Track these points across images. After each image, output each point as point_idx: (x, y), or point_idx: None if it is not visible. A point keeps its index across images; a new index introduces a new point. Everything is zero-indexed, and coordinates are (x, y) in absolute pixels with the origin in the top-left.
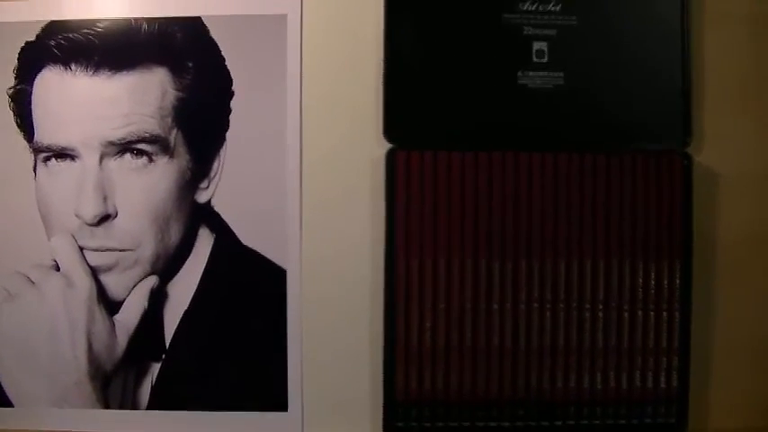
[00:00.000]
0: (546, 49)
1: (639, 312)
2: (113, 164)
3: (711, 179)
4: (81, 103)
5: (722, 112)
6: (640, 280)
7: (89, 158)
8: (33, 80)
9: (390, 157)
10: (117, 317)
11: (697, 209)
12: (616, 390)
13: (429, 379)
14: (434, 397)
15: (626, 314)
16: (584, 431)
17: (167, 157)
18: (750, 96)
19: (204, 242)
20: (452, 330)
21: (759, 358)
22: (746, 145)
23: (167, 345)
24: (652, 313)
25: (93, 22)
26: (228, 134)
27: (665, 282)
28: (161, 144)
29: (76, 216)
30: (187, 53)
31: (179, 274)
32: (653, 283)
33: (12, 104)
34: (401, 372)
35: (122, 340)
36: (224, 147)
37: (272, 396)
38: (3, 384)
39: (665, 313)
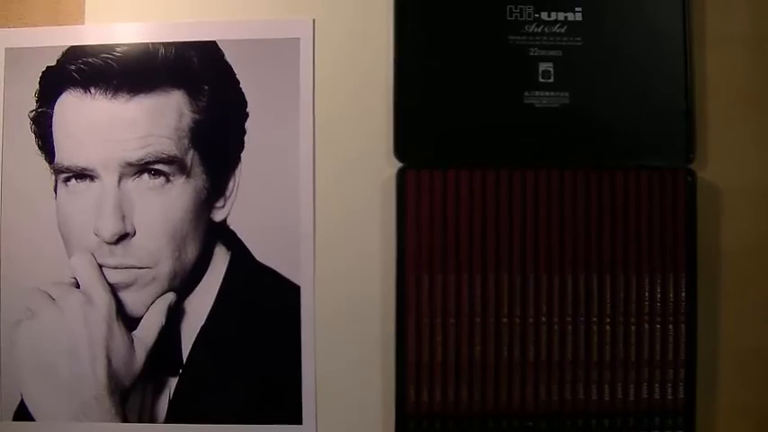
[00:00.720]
0: (552, 69)
1: (646, 325)
2: (131, 184)
3: (714, 194)
4: (100, 125)
5: (724, 129)
6: (646, 293)
7: (108, 179)
8: (54, 103)
9: (401, 176)
10: (135, 333)
11: (701, 223)
12: (624, 402)
13: (440, 392)
14: (445, 410)
15: (633, 327)
16: None
17: (184, 177)
18: (751, 114)
19: (220, 259)
20: (462, 344)
21: (765, 369)
22: (748, 161)
23: (184, 360)
24: (658, 326)
25: (111, 48)
26: (243, 154)
27: (671, 295)
28: (178, 164)
29: (96, 235)
30: (203, 76)
31: (196, 290)
32: (659, 296)
33: (33, 127)
34: (412, 385)
35: (140, 355)
36: (239, 167)
37: (287, 410)
38: (24, 399)
39: (671, 326)
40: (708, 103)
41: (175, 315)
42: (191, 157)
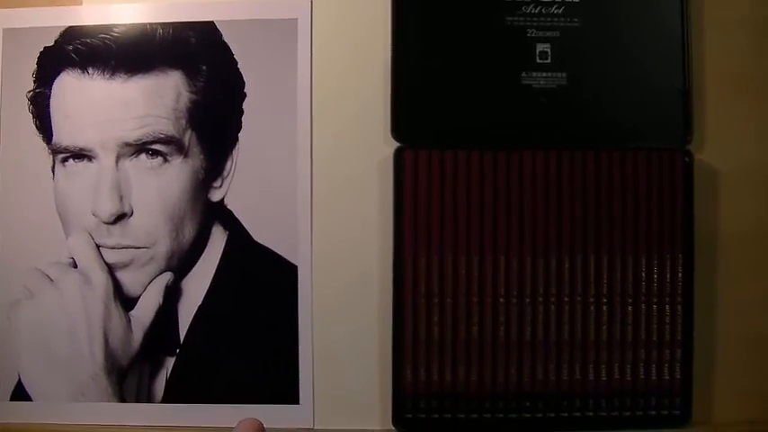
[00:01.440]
0: (549, 50)
1: (643, 306)
2: (129, 164)
3: (712, 176)
4: (98, 105)
5: (722, 110)
6: (643, 274)
7: (106, 159)
8: (52, 84)
9: (398, 156)
10: (133, 312)
11: (698, 205)
12: (621, 382)
13: (437, 371)
14: (442, 389)
15: (630, 308)
16: (589, 423)
17: (182, 157)
18: (749, 95)
19: (217, 239)
20: (459, 324)
21: (761, 350)
22: (746, 143)
23: (181, 339)
24: (655, 307)
25: (109, 28)
26: (241, 134)
27: (668, 276)
28: (175, 145)
29: (93, 215)
30: (201, 57)
31: (193, 270)
32: (656, 277)
33: (31, 107)
34: (409, 365)
35: (138, 335)
36: (237, 147)
37: (284, 389)
38: (22, 379)
39: (667, 307)
40: (706, 84)
41: (173, 295)
42: (188, 138)
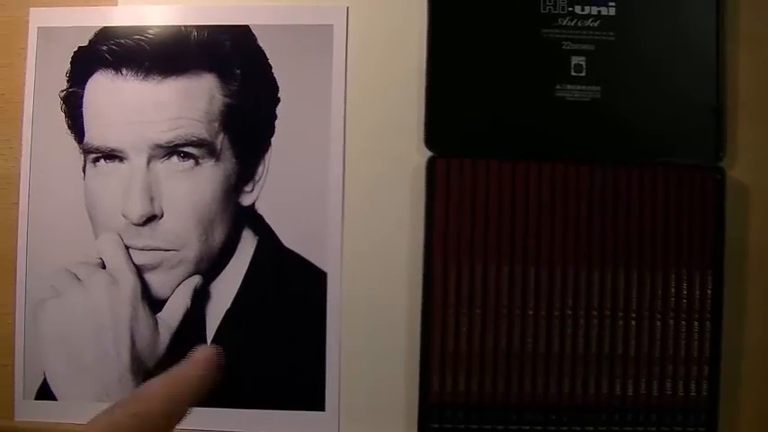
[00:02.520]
0: (584, 63)
1: (671, 321)
2: (160, 166)
3: (743, 192)
4: (130, 106)
5: (755, 127)
6: (672, 290)
7: (137, 160)
8: (85, 84)
9: (431, 165)
10: (160, 315)
11: (729, 221)
12: (647, 397)
13: (464, 382)
14: (469, 399)
15: (658, 323)
16: None
17: (213, 160)
18: None
19: (247, 244)
20: (488, 335)
21: None
22: None
23: (209, 343)
24: (684, 322)
25: (144, 29)
26: (274, 139)
27: (697, 292)
28: (207, 148)
29: (123, 216)
30: (235, 60)
31: (222, 274)
32: (685, 293)
33: (64, 107)
34: (436, 374)
35: (165, 337)
36: (269, 151)
37: (310, 396)
38: (47, 378)
39: (696, 323)
40: (739, 101)
41: (201, 298)
42: (221, 141)
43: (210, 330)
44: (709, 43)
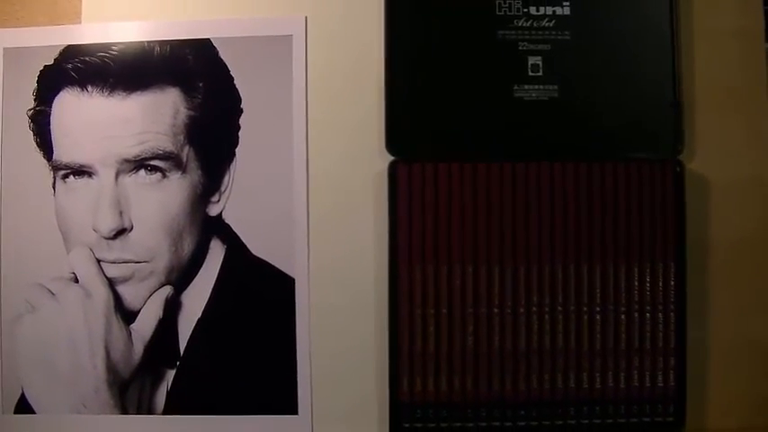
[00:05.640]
0: (541, 63)
1: (636, 314)
2: (129, 180)
3: (703, 185)
4: (97, 122)
5: (712, 120)
6: (636, 283)
7: (105, 175)
8: (52, 102)
9: (392, 170)
10: (133, 326)
11: (689, 214)
12: (615, 390)
13: (433, 381)
14: (438, 398)
15: (623, 316)
16: (584, 430)
17: (180, 172)
18: (739, 105)
19: (216, 253)
20: (455, 334)
21: (753, 357)
22: (736, 152)
23: (182, 352)
24: (648, 315)
25: (108, 46)
26: (238, 150)
27: (660, 284)
28: (174, 160)
29: (94, 230)
30: (198, 74)
31: (192, 284)
32: (648, 285)
33: (32, 125)
34: (406, 375)
35: (138, 348)
36: (234, 162)
37: (283, 400)
38: (25, 392)
39: (660, 314)
40: (696, 95)
41: (172, 308)
42: (186, 153)
43: (183, 339)
44: (665, 38)
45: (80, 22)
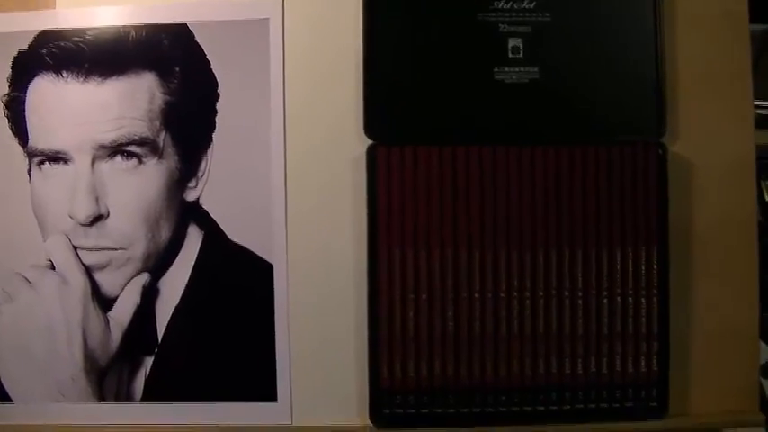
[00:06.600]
0: (521, 45)
1: (619, 299)
2: (105, 166)
3: (686, 168)
4: (73, 108)
5: (696, 103)
6: (618, 267)
7: (81, 161)
8: (27, 88)
9: (371, 153)
10: (110, 313)
11: (672, 197)
12: (598, 375)
13: (413, 367)
14: (419, 384)
15: (605, 301)
16: (567, 415)
17: (157, 158)
18: (723, 88)
19: (193, 239)
20: (435, 319)
21: (737, 341)
22: (720, 135)
23: (159, 339)
24: (631, 300)
25: (83, 31)
26: (215, 135)
27: (643, 269)
28: (150, 146)
29: (70, 217)
30: (174, 58)
31: (170, 270)
32: (631, 270)
33: (6, 111)
34: (386, 360)
35: (116, 335)
36: (211, 147)
37: (262, 386)
38: (2, 381)
39: (643, 299)
40: (679, 77)
41: (150, 295)
42: (163, 139)
43: (161, 326)
44: (648, 20)
45: (54, 7)
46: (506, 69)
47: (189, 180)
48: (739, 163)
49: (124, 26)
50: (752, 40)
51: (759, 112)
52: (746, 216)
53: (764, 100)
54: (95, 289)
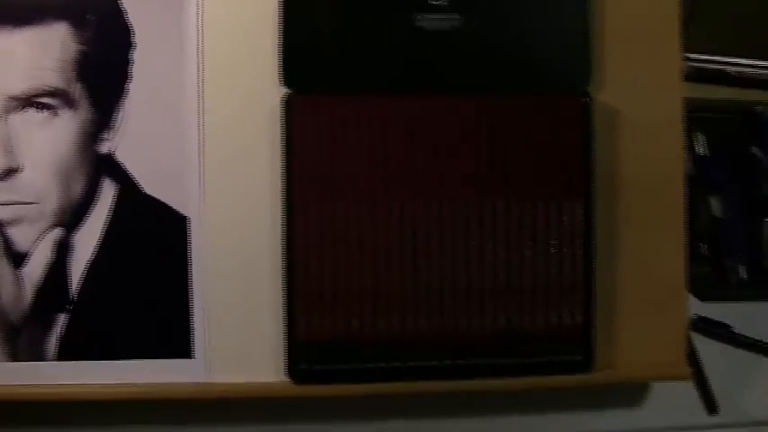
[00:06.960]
0: None
1: (542, 251)
2: (17, 118)
3: (612, 118)
4: None
5: (623, 52)
6: (543, 219)
7: None
8: None
9: (288, 103)
10: (22, 270)
11: (599, 148)
12: (521, 329)
13: (331, 322)
14: (337, 339)
15: (529, 253)
16: (490, 370)
17: (71, 110)
18: (651, 37)
19: (107, 193)
20: (353, 272)
21: (662, 295)
22: (647, 86)
23: (73, 296)
24: (555, 251)
25: None
26: (130, 85)
27: (568, 221)
28: (64, 97)
29: None
30: (87, 7)
31: (84, 225)
32: (555, 221)
33: None
34: (303, 315)
35: (28, 292)
36: (126, 98)
37: (178, 343)
38: None
39: (567, 251)
40: (606, 24)
41: (63, 250)
42: (76, 90)
43: (74, 282)
44: None
45: None
46: (428, 16)
47: (103, 132)
48: (667, 114)
49: None
50: None
51: (694, 65)
52: (674, 167)
53: (701, 53)
54: (7, 245)
